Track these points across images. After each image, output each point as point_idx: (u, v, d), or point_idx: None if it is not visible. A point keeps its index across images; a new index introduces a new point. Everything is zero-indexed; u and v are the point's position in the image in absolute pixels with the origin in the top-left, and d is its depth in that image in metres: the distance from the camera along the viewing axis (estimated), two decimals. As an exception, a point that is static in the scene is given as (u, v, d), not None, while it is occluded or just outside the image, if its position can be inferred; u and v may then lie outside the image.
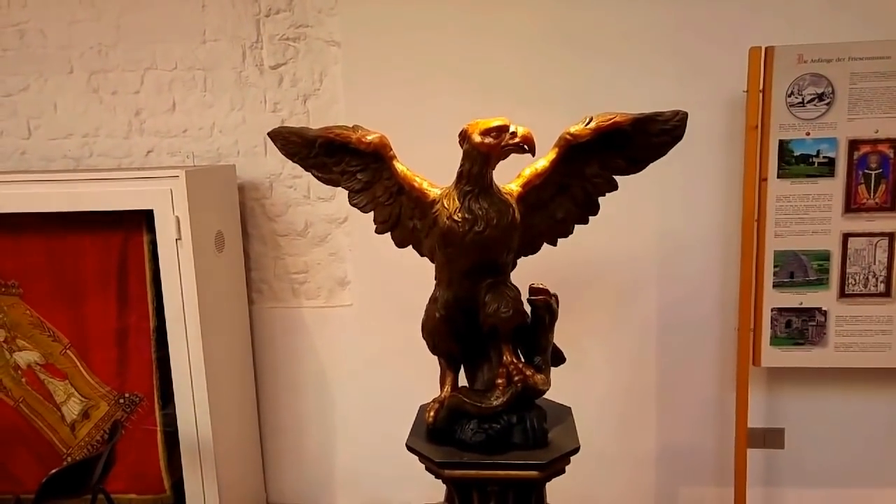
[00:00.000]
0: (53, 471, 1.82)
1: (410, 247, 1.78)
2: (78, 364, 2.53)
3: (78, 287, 2.49)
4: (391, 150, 1.71)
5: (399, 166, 1.70)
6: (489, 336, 1.64)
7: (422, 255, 1.76)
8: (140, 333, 2.49)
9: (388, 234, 1.80)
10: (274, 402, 2.90)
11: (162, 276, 2.35)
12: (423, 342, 1.75)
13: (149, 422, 2.51)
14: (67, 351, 2.53)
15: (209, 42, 2.74)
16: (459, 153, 1.60)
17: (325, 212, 2.78)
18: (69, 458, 2.54)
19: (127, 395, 2.51)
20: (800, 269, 2.34)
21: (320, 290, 2.83)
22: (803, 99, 2.23)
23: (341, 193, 2.63)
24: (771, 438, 2.65)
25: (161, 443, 2.52)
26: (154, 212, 2.32)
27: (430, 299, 1.71)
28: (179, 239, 2.31)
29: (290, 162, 1.88)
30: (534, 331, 1.67)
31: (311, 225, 2.80)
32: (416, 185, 1.67)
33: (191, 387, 2.39)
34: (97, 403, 2.54)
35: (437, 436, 1.66)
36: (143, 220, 2.39)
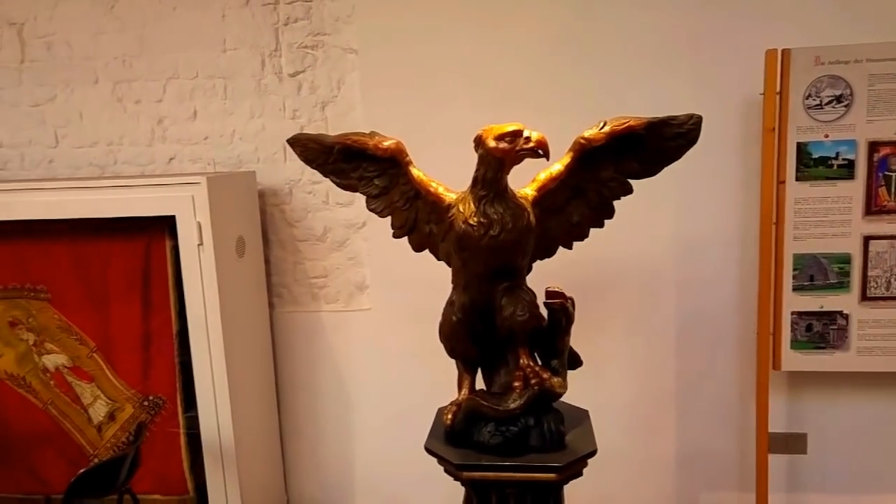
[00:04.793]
0: (82, 470, 1.87)
1: (416, 251, 1.82)
2: (104, 367, 2.58)
3: (103, 291, 2.54)
4: (407, 155, 1.74)
5: (415, 172, 1.73)
6: (505, 339, 1.66)
7: (438, 259, 1.78)
8: (163, 337, 2.54)
9: (405, 239, 1.83)
10: (294, 405, 2.93)
11: (184, 281, 2.39)
12: (442, 345, 1.77)
13: (172, 424, 2.56)
14: (94, 354, 2.58)
15: (229, 51, 2.78)
16: (474, 159, 1.62)
17: (343, 217, 2.81)
18: (96, 459, 2.59)
19: (151, 397, 2.56)
20: (820, 272, 2.32)
21: (339, 295, 2.86)
22: (821, 101, 2.22)
23: (360, 198, 2.64)
24: (793, 443, 2.62)
25: (184, 445, 2.57)
26: (176, 218, 2.36)
27: (447, 303, 1.73)
28: (201, 244, 2.35)
29: (309, 168, 1.91)
30: (550, 334, 1.68)
31: (329, 230, 2.83)
32: (431, 189, 1.70)
33: (213, 390, 2.42)
34: (122, 406, 2.59)
35: (454, 438, 1.67)
36: (165, 225, 2.43)
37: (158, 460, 2.53)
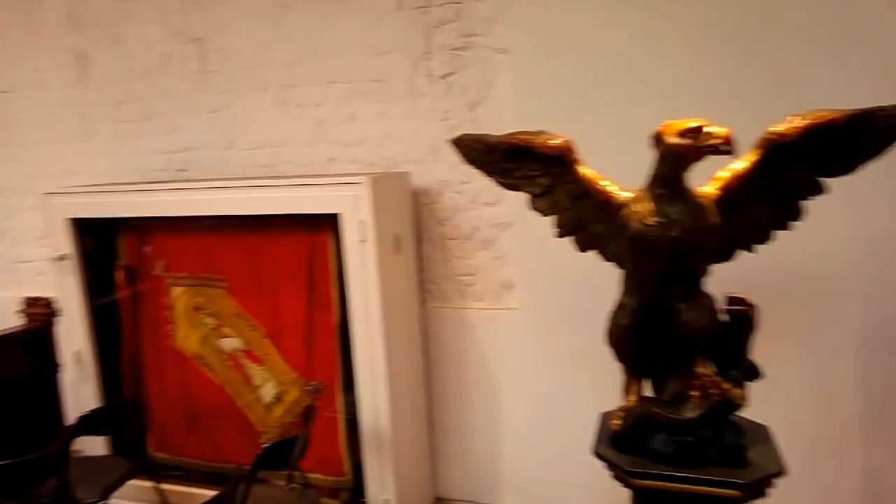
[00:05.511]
0: (265, 445, 2.05)
1: (580, 252, 1.78)
2: (273, 352, 2.79)
3: (273, 282, 2.75)
4: (575, 154, 1.72)
5: (583, 170, 1.71)
6: (681, 346, 1.59)
7: (607, 259, 1.74)
8: (325, 327, 2.70)
9: (558, 240, 1.80)
10: (443, 398, 2.99)
11: (348, 275, 2.51)
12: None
13: (330, 409, 2.71)
14: (264, 340, 2.80)
15: (384, 55, 2.88)
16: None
17: (490, 216, 2.83)
18: (266, 437, 2.82)
19: (313, 383, 2.73)
20: None
21: (486, 293, 2.88)
22: None
23: (507, 198, 2.70)
24: None
25: (342, 429, 2.71)
26: (341, 215, 2.49)
27: (616, 306, 1.68)
28: (364, 241, 2.46)
29: (458, 168, 1.93)
30: (729, 343, 1.59)
31: (477, 229, 2.86)
32: (601, 188, 1.67)
33: (373, 379, 2.53)
34: (289, 389, 2.79)
35: (621, 444, 1.63)
36: (328, 222, 2.58)
37: (318, 442, 2.66)
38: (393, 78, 2.89)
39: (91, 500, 2.33)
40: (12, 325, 2.97)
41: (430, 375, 2.98)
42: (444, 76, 2.81)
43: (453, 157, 1.93)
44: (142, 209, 2.84)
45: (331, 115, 3.01)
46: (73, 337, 2.99)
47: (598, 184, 1.68)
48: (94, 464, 2.63)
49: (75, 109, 3.43)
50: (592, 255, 1.80)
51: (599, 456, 1.62)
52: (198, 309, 2.89)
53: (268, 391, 2.82)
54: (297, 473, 2.34)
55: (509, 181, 1.87)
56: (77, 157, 3.46)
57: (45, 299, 2.98)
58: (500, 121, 2.71)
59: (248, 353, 2.83)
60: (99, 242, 3.02)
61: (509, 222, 2.79)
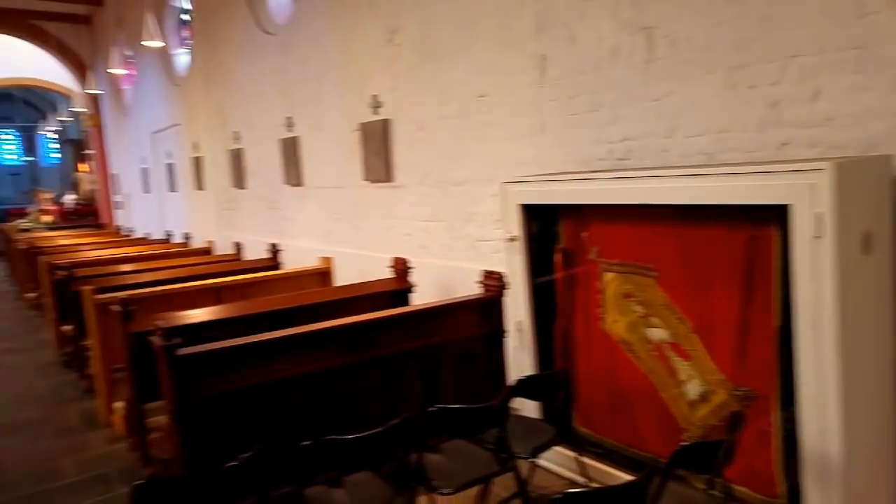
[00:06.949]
0: (684, 444, 1.95)
1: None
2: (700, 349, 2.63)
3: (705, 276, 2.59)
4: None
5: None
6: None
7: None
8: (762, 330, 2.41)
9: None
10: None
11: (797, 276, 2.19)
12: None
13: (764, 420, 2.42)
14: (692, 335, 2.66)
15: (869, 15, 2.39)
16: None
17: None
18: (687, 434, 2.69)
19: (743, 389, 2.48)
20: None
21: None
22: None
23: None
24: None
25: (777, 445, 2.40)
26: (792, 206, 2.17)
27: None
28: (819, 237, 2.10)
29: None
30: None
31: None
32: None
33: (820, 397, 2.16)
34: (715, 390, 2.60)
35: None
36: (774, 214, 2.28)
37: (748, 454, 2.43)
38: (881, 41, 2.37)
39: (523, 455, 2.59)
40: (474, 293, 3.53)
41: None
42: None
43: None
44: (581, 197, 3.01)
45: (789, 94, 2.67)
46: (517, 309, 3.37)
47: None
48: (527, 424, 2.92)
49: (532, 107, 3.85)
50: None
51: None
52: (627, 296, 2.92)
53: (693, 388, 2.68)
54: (719, 481, 2.16)
55: None
56: (531, 149, 3.89)
57: (498, 273, 3.46)
58: None
59: (675, 346, 2.73)
60: (543, 226, 3.32)
61: None
